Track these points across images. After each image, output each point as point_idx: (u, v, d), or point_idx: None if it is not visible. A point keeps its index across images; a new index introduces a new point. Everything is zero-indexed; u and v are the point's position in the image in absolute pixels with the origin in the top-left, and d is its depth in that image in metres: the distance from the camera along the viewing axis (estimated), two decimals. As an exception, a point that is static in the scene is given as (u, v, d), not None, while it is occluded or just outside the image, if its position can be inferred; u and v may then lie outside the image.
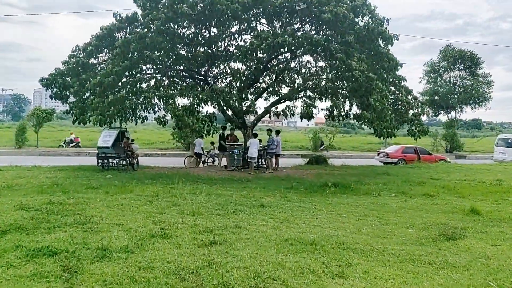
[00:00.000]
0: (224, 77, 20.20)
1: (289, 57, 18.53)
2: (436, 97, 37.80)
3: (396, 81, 19.61)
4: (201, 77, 19.27)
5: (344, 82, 15.70)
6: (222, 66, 20.31)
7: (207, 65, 19.00)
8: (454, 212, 9.42)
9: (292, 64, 18.89)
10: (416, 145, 27.59)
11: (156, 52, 15.40)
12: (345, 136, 56.88)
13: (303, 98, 18.12)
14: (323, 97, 14.87)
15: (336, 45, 14.55)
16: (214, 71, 20.34)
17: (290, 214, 8.61)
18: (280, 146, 18.34)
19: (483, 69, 37.22)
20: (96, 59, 17.95)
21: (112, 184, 12.08)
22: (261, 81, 20.32)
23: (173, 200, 9.61)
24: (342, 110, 14.52)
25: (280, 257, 5.51)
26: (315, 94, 15.34)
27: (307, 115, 14.86)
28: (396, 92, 19.72)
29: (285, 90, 20.97)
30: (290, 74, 17.95)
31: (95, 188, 11.28)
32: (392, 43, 16.38)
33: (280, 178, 15.10)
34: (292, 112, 16.65)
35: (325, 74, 15.67)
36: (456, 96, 37.26)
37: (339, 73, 14.49)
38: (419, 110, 20.35)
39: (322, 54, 15.03)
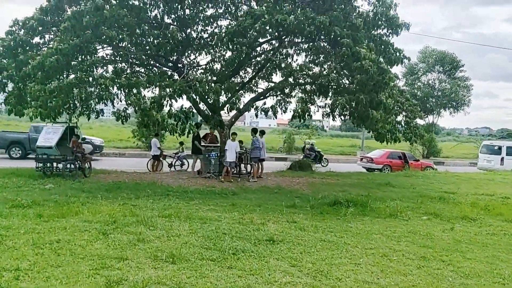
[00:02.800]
0: (195, 69, 17.13)
1: (271, 47, 15.66)
2: (414, 100, 36.10)
3: (389, 79, 17.25)
4: (170, 65, 16.10)
5: (347, 75, 13.06)
6: (193, 56, 17.28)
7: (175, 53, 15.87)
8: (527, 248, 6.92)
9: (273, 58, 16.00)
10: (402, 150, 25.57)
11: (116, 30, 12.15)
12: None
13: (281, 95, 15.15)
14: (323, 92, 12.04)
15: (343, 30, 11.85)
16: (184, 61, 17.22)
17: (317, 257, 5.77)
18: (265, 149, 15.46)
19: (463, 72, 35.93)
20: (42, 39, 14.46)
21: (51, 199, 8.77)
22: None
23: (139, 230, 6.53)
24: (347, 108, 11.78)
25: None
26: (314, 88, 12.48)
27: (303, 113, 12.01)
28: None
29: (262, 85, 18.20)
30: (275, 66, 14.80)
31: (24, 207, 7.98)
32: (398, 32, 14.00)
33: (271, 189, 12.25)
34: (284, 109, 13.79)
35: (326, 65, 12.76)
36: (434, 100, 35.77)
37: (344, 62, 11.77)
38: (413, 113, 18.14)
39: (324, 39, 12.26)
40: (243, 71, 17.42)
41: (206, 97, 13.65)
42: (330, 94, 12.37)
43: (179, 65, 16.32)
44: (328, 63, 12.23)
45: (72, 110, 11.77)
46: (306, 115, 12.02)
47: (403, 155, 23.97)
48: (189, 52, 16.66)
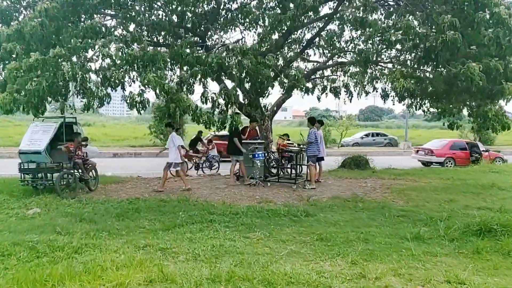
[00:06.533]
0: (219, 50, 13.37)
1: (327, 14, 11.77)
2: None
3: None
4: (197, 40, 12.45)
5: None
6: (216, 37, 13.54)
7: (201, 26, 12.24)
8: None
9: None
10: (467, 139, 21.62)
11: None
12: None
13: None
14: (434, 57, 8.02)
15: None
16: (212, 37, 13.55)
17: None
18: (323, 145, 11.72)
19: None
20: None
21: (26, 242, 5.25)
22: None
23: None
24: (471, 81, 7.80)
25: None
26: (418, 53, 8.56)
27: (402, 91, 8.12)
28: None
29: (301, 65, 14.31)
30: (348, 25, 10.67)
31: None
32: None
33: (350, 202, 8.56)
34: (370, 89, 9.85)
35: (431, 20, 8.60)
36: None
37: (465, 13, 7.84)
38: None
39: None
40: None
41: (248, 76, 9.95)
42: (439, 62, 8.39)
43: (206, 41, 12.67)
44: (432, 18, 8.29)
45: (63, 97, 8.15)
46: (405, 94, 8.22)
47: (469, 146, 19.97)
48: (212, 31, 12.99)
